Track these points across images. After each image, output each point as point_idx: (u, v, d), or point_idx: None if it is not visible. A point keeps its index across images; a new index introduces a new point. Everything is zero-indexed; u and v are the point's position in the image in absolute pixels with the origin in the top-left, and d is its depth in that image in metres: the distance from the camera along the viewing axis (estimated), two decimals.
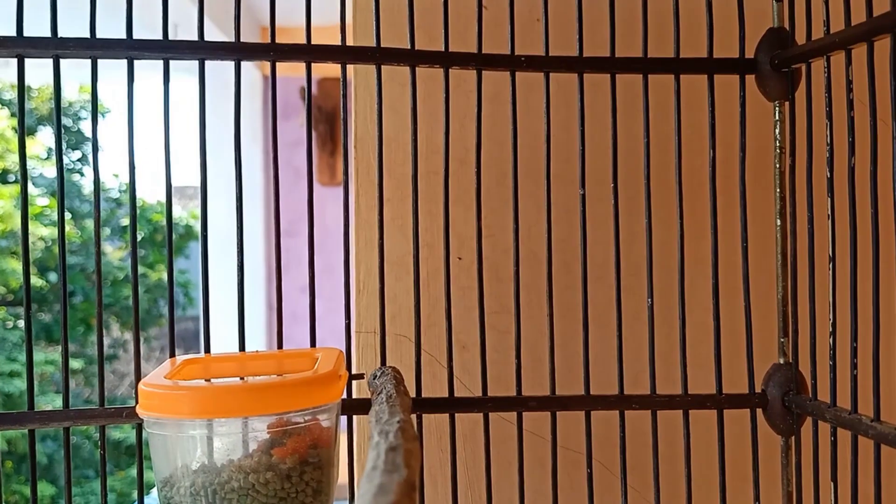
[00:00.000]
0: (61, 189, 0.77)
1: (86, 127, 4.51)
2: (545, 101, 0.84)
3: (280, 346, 0.82)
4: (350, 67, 0.83)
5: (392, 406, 0.63)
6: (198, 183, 0.79)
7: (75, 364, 4.01)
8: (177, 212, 4.79)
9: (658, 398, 0.84)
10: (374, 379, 0.74)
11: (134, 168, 0.79)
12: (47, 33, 0.76)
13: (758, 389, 0.86)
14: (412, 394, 0.81)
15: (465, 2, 0.85)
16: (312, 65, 0.81)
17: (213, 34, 3.13)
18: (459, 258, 0.96)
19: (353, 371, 0.80)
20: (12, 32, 0.76)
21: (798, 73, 0.84)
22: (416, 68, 0.83)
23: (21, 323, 4.01)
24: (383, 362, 0.81)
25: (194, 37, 0.80)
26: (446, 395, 0.82)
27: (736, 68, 0.86)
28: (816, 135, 0.80)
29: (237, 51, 0.80)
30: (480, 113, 0.83)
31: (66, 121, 4.48)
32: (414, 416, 0.80)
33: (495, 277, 0.96)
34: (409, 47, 0.83)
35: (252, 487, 0.63)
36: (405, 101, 0.83)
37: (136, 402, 0.68)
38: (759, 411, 0.85)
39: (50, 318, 4.20)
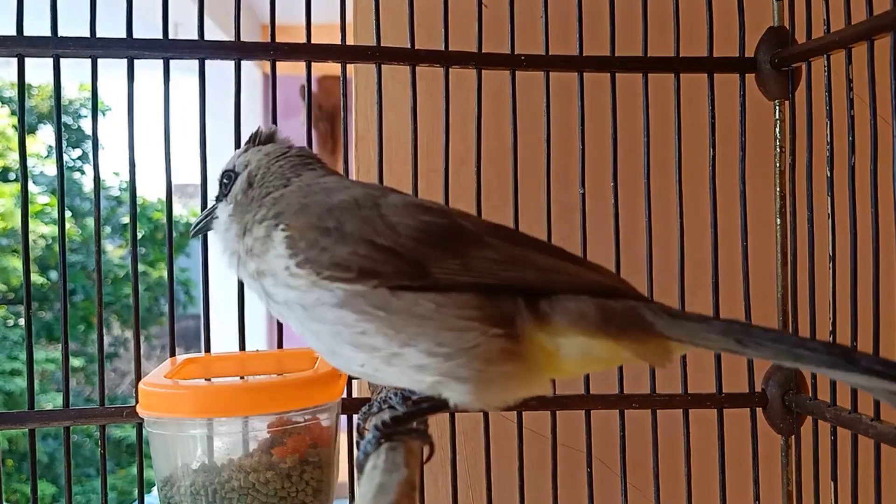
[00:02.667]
0: (62, 187, 0.77)
1: (86, 125, 4.51)
2: (545, 100, 0.84)
3: (280, 345, 0.82)
4: (351, 66, 0.83)
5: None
6: (198, 181, 0.79)
7: (76, 362, 4.01)
8: (177, 210, 4.79)
9: (658, 397, 0.84)
10: None
11: (134, 166, 0.79)
12: (47, 32, 0.76)
13: (758, 389, 0.86)
14: None
15: (466, 0, 0.85)
16: (313, 63, 0.82)
17: (213, 33, 3.13)
18: None
19: None
20: (13, 32, 0.76)
21: (798, 71, 0.84)
22: (417, 67, 0.83)
23: (22, 321, 4.02)
24: None
25: (195, 36, 0.80)
26: None
27: (736, 67, 0.86)
28: (816, 134, 0.80)
29: (237, 50, 0.80)
30: (480, 111, 0.83)
31: (66, 119, 4.48)
32: None
33: None
34: (409, 46, 0.83)
35: (252, 487, 0.63)
36: (406, 100, 0.83)
37: (137, 402, 0.68)
38: (759, 410, 0.85)
39: (51, 317, 4.19)
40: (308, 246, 0.53)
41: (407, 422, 0.55)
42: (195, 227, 0.68)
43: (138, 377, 0.75)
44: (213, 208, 0.66)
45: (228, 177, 0.65)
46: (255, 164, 0.64)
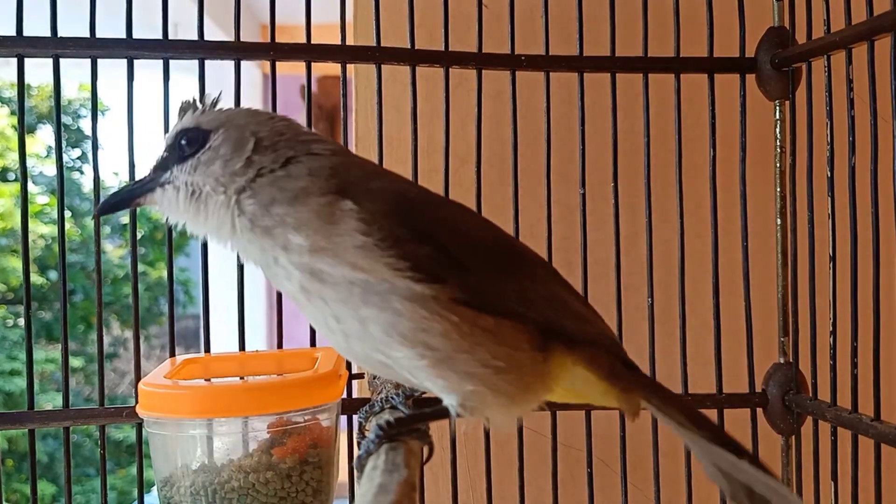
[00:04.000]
0: (61, 187, 0.77)
1: (86, 125, 4.51)
2: (545, 100, 0.84)
3: (280, 345, 0.82)
4: (351, 66, 0.83)
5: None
6: None
7: (75, 362, 4.00)
8: None
9: None
10: (374, 378, 0.74)
11: (134, 166, 0.79)
12: (47, 32, 0.76)
13: (758, 389, 0.85)
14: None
15: (466, 1, 0.85)
16: (312, 63, 0.81)
17: (213, 33, 3.13)
18: None
19: (353, 370, 0.80)
20: (12, 32, 0.76)
21: (798, 72, 0.84)
22: (417, 67, 0.83)
23: (21, 321, 4.02)
24: None
25: (194, 36, 0.79)
26: None
27: (736, 67, 0.86)
28: (817, 134, 0.80)
29: (237, 50, 0.80)
30: (480, 112, 0.83)
31: (65, 119, 4.48)
32: None
33: None
34: (409, 46, 0.83)
35: (252, 487, 0.63)
36: (406, 100, 0.82)
37: (137, 402, 0.68)
38: (759, 411, 0.85)
39: (50, 317, 4.19)
40: (380, 232, 0.51)
41: (410, 424, 0.55)
42: (110, 202, 0.60)
43: (138, 377, 0.75)
44: (156, 177, 0.58)
45: (192, 136, 0.57)
46: (254, 125, 0.57)
